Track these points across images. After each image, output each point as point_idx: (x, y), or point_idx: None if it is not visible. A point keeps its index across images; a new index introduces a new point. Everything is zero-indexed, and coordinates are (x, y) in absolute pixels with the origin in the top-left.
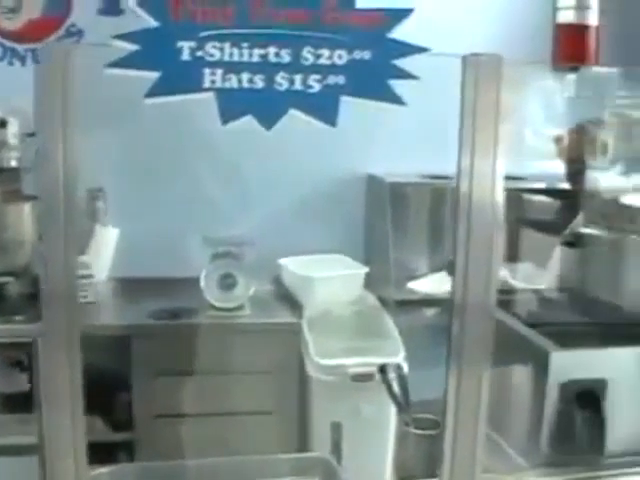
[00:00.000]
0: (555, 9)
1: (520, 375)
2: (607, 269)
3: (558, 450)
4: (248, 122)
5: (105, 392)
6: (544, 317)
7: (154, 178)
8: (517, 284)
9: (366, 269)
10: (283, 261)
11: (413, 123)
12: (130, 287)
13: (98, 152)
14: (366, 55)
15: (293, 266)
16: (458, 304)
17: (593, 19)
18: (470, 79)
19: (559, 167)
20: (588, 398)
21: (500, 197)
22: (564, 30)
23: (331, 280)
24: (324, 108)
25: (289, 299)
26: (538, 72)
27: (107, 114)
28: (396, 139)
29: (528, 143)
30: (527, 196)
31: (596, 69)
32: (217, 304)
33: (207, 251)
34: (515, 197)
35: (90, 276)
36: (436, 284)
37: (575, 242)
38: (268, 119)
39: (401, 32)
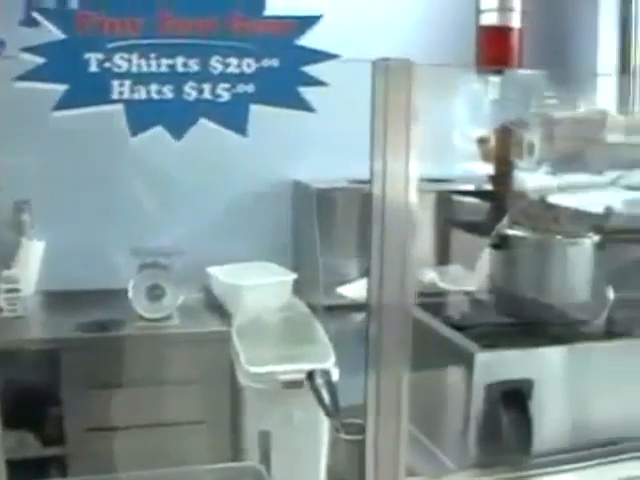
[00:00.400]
0: (478, 12)
1: (447, 377)
2: (533, 269)
3: (485, 451)
4: (158, 132)
5: (35, 407)
6: (471, 319)
7: (79, 190)
8: (446, 286)
9: (294, 276)
10: (211, 270)
11: (333, 128)
12: (58, 300)
13: (23, 165)
14: (275, 63)
15: (221, 275)
16: (374, 307)
17: (516, 21)
18: (380, 84)
19: (487, 168)
20: (514, 398)
21: (414, 199)
22: (487, 32)
23: (259, 288)
24: (234, 117)
25: (218, 308)
26: (462, 75)
27: (24, 127)
28: (320, 145)
29: (455, 145)
30: (456, 198)
31: (520, 71)
32: (145, 315)
33: (135, 262)
34: (444, 199)
35: (17, 290)
36: (364, 289)
37: (501, 244)
38: (178, 129)
39: (318, 39)
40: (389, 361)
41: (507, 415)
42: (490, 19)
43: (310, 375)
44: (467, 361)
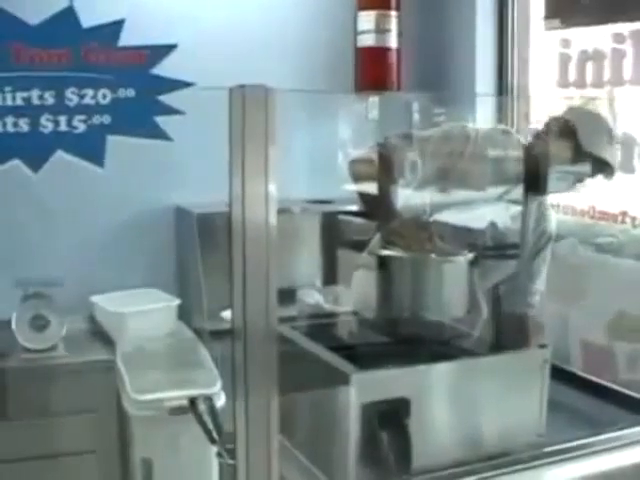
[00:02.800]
0: (356, 33)
1: (326, 399)
2: (408, 288)
3: (366, 472)
4: (15, 166)
5: None
6: (350, 340)
7: None
8: (330, 307)
9: (178, 301)
10: (94, 298)
11: (194, 157)
12: None
13: None
14: (130, 93)
15: (104, 302)
16: (237, 331)
17: (393, 41)
18: (236, 110)
19: (368, 188)
20: (391, 417)
21: (274, 221)
22: (365, 54)
23: (142, 314)
24: (91, 148)
25: (103, 336)
26: (341, 97)
27: None
28: (183, 173)
29: (338, 166)
30: (341, 218)
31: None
32: (29, 346)
33: (17, 293)
34: (329, 220)
35: None
36: None
37: (374, 264)
38: (35, 162)
39: (175, 68)
40: (255, 384)
41: (385, 434)
42: (367, 40)
43: (193, 401)
44: (344, 382)
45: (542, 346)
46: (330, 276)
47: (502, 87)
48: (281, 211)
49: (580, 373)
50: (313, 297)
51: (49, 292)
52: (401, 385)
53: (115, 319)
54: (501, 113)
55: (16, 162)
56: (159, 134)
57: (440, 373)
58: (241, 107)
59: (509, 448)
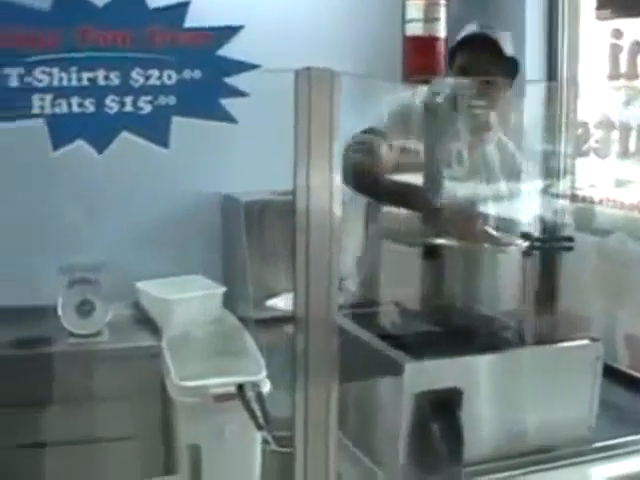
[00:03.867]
0: (403, 22)
1: (378, 388)
2: (462, 278)
3: (416, 462)
4: (80, 146)
5: None
6: (400, 329)
7: (3, 205)
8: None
9: (223, 289)
10: (140, 284)
11: (256, 139)
12: None
13: None
14: (196, 74)
15: (150, 289)
16: (300, 319)
17: (442, 31)
18: (302, 93)
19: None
20: (444, 407)
21: (338, 210)
22: (412, 42)
23: (188, 301)
24: (155, 129)
25: (148, 322)
26: (389, 86)
27: None
28: (246, 156)
29: None
30: (387, 209)
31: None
32: (75, 331)
33: (63, 278)
34: (373, 210)
35: None
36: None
37: (431, 254)
38: (100, 143)
39: (239, 50)
40: (316, 373)
41: (437, 424)
42: (415, 29)
43: (240, 388)
44: (396, 371)
45: (594, 339)
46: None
47: (551, 78)
48: None
49: (627, 370)
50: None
51: (95, 277)
52: (454, 375)
53: (161, 305)
54: (550, 103)
55: (81, 142)
56: (224, 116)
57: (493, 363)
58: (307, 91)
59: (558, 442)
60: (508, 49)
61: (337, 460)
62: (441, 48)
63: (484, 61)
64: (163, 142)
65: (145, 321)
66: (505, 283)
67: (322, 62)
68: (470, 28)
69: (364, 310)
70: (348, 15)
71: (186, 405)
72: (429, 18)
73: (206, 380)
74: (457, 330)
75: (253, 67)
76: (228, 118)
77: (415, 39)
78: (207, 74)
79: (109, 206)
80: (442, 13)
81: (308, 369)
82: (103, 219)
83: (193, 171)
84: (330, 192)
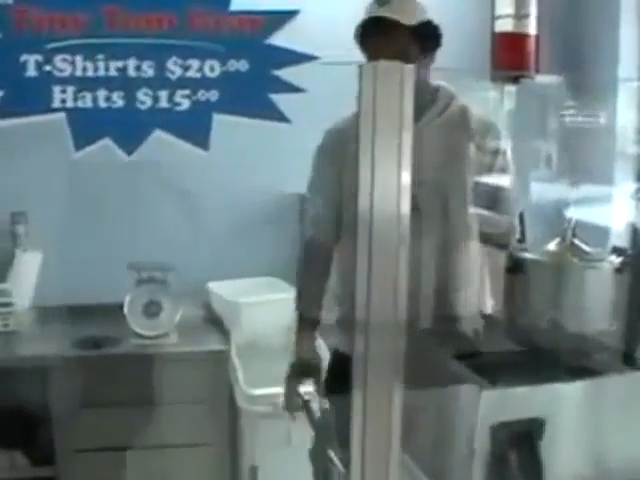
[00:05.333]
0: (493, 18)
1: (450, 413)
2: (548, 295)
3: None
4: (106, 147)
5: (25, 425)
6: (479, 347)
7: (76, 203)
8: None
9: None
10: (211, 285)
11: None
12: (54, 315)
13: (20, 176)
14: (242, 66)
15: (221, 290)
16: (360, 323)
17: (532, 27)
18: (367, 89)
19: (503, 181)
20: (523, 439)
21: (406, 210)
22: (502, 39)
23: (259, 305)
24: (194, 128)
25: (220, 325)
26: (477, 83)
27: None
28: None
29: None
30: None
31: (537, 79)
32: (142, 332)
33: (133, 276)
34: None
35: (10, 304)
36: None
37: (515, 267)
38: (129, 142)
39: (294, 39)
40: (376, 383)
41: (515, 456)
42: (505, 25)
43: (306, 401)
44: (471, 398)
45: None
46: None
47: None
48: None
49: None
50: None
51: (164, 277)
52: (536, 404)
53: (230, 308)
54: None
55: (107, 142)
56: (275, 114)
57: (581, 391)
58: (372, 86)
59: None
60: (412, 18)
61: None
62: (532, 45)
63: (386, 43)
64: (203, 143)
65: (216, 323)
66: (595, 301)
67: None
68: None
69: (439, 324)
70: (432, 8)
71: (254, 412)
72: (520, 14)
73: (275, 389)
74: (542, 352)
75: (310, 58)
76: (279, 116)
77: (505, 35)
78: (255, 66)
79: (186, 205)
80: (533, 9)
81: (367, 380)
82: (181, 218)
83: (268, 172)
84: (398, 191)
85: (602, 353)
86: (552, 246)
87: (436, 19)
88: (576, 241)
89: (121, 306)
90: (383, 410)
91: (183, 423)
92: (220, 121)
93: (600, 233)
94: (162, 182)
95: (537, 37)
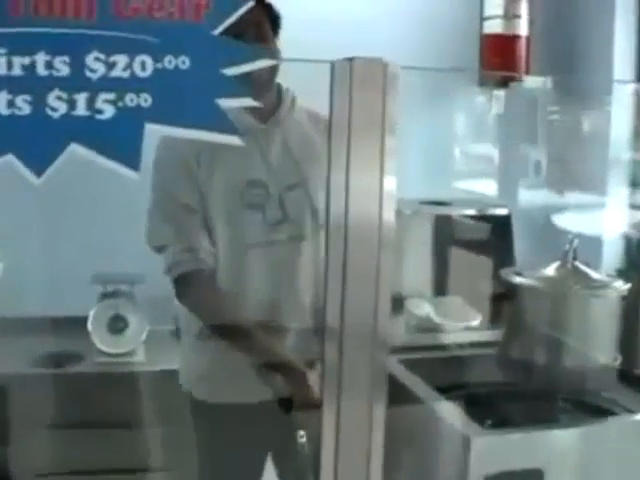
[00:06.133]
0: (482, 19)
1: (438, 461)
2: (543, 326)
3: None
4: (8, 165)
5: None
6: (464, 377)
7: (38, 210)
8: (442, 321)
9: None
10: None
11: None
12: (14, 327)
13: None
14: (183, 63)
15: None
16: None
17: (523, 29)
18: (340, 90)
19: (490, 188)
20: None
21: (389, 218)
22: (491, 41)
23: None
24: (122, 142)
25: None
26: (464, 88)
27: None
28: None
29: (455, 163)
30: (457, 223)
31: (527, 83)
32: (106, 349)
33: (97, 290)
34: (443, 224)
35: None
36: None
37: (507, 293)
38: (38, 160)
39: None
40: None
41: None
42: (494, 27)
43: None
44: (462, 445)
45: None
46: (442, 285)
47: None
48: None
49: None
50: (423, 308)
51: (130, 290)
52: (535, 453)
53: None
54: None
55: (10, 159)
56: (224, 125)
57: (584, 438)
58: (347, 86)
59: None
60: None
61: None
62: (522, 47)
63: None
64: (132, 162)
65: None
66: (599, 333)
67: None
68: None
69: (423, 354)
70: (419, 9)
71: None
72: (509, 15)
73: None
74: (540, 391)
75: (272, 55)
76: (229, 128)
77: (493, 37)
78: (199, 63)
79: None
80: (524, 10)
81: (340, 399)
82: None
83: None
84: (379, 196)
85: (604, 392)
86: (551, 270)
87: (421, 19)
88: (578, 264)
89: (86, 319)
90: (360, 435)
91: (151, 446)
92: (154, 133)
93: (592, 242)
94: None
95: (528, 39)
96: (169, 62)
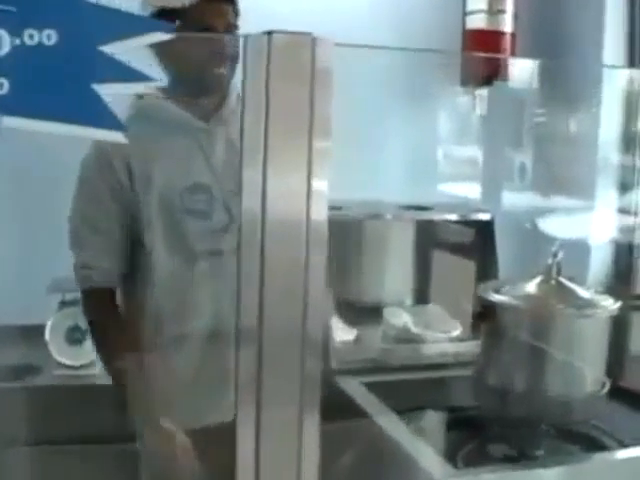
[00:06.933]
0: (464, 14)
1: None
2: (524, 350)
3: None
4: None
5: None
6: (435, 398)
7: None
8: (420, 331)
9: None
10: None
11: None
12: None
13: None
14: (48, 38)
15: None
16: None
17: (507, 25)
18: (257, 68)
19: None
20: None
21: (319, 218)
22: (474, 37)
23: None
24: None
25: None
26: (445, 87)
27: None
28: None
29: (437, 165)
30: (436, 228)
31: (512, 82)
32: (64, 361)
33: (56, 297)
34: (423, 230)
35: None
36: None
37: (485, 313)
38: None
39: None
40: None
41: None
42: (477, 22)
43: None
44: None
45: None
46: (420, 294)
47: (634, 63)
48: (373, 216)
49: None
50: (400, 317)
51: None
52: None
53: None
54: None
55: None
56: (103, 117)
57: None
58: (264, 66)
59: None
60: None
61: None
62: (506, 44)
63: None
64: None
65: None
66: (586, 357)
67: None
68: None
69: (388, 376)
70: (399, 2)
71: None
72: (493, 10)
73: None
74: (519, 420)
75: (162, 29)
76: (109, 121)
77: (477, 33)
78: (70, 38)
79: None
80: (508, 5)
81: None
82: None
83: None
84: (307, 196)
85: (591, 423)
86: (532, 287)
87: (401, 12)
88: (562, 280)
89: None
90: (285, 450)
91: (114, 462)
92: (12, 128)
93: (579, 247)
94: None
95: (513, 35)
96: (30, 37)
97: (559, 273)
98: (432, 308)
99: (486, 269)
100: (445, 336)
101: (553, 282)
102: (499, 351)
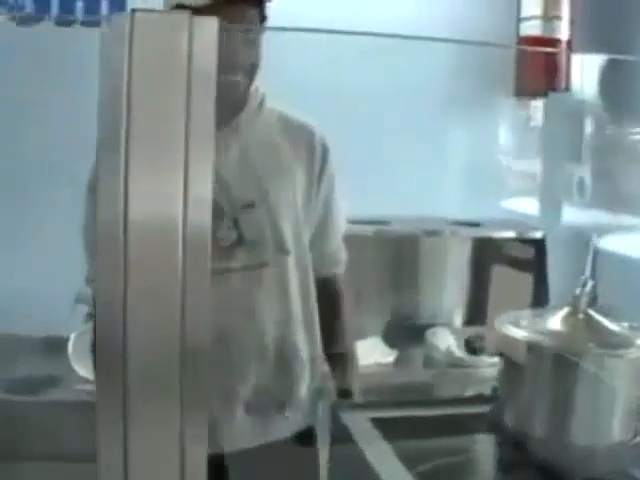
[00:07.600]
0: (519, 20)
1: None
2: (549, 393)
3: None
4: None
5: None
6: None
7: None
8: (464, 356)
9: None
10: None
11: None
12: None
13: None
14: None
15: None
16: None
17: (564, 32)
18: (116, 47)
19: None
20: None
21: (202, 223)
22: (529, 45)
23: None
24: None
25: None
26: (498, 97)
27: None
28: None
29: (490, 180)
30: (486, 246)
31: (570, 93)
32: (87, 375)
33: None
34: (477, 247)
35: None
36: None
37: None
38: None
39: None
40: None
41: None
42: (532, 29)
43: None
44: None
45: None
46: (473, 315)
47: None
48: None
49: None
50: (444, 339)
51: None
52: None
53: None
54: None
55: None
56: None
57: None
58: (126, 53)
59: None
60: None
61: None
62: (563, 52)
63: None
64: None
65: None
66: (616, 403)
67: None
68: None
69: (393, 411)
70: (451, 9)
71: None
72: (549, 16)
73: None
74: (539, 469)
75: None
76: None
77: (531, 40)
78: None
79: None
80: (564, 10)
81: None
82: None
83: None
84: (183, 203)
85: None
86: (557, 321)
87: (451, 20)
88: (592, 313)
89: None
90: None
91: None
92: None
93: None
94: None
95: (569, 42)
96: None
97: (592, 304)
98: (477, 330)
99: (535, 290)
100: (491, 361)
101: (581, 315)
102: (517, 390)
